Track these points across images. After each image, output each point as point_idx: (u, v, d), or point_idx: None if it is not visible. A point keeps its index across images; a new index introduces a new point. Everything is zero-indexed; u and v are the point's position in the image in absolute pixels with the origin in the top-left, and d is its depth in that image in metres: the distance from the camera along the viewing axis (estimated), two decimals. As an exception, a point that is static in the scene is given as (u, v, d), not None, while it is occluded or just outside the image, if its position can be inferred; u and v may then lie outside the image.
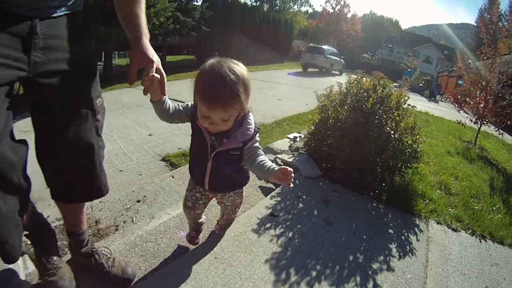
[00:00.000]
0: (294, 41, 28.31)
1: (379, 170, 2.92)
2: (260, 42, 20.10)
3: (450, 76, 6.56)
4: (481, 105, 6.28)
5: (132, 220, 2.16)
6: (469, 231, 2.67)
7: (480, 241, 2.59)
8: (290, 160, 3.17)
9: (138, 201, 2.41)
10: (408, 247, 2.22)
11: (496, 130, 6.43)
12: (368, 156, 2.76)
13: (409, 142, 2.87)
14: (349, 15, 42.09)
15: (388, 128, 2.74)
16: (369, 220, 2.48)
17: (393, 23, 62.43)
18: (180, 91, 6.96)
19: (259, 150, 1.51)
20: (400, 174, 3.03)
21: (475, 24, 45.02)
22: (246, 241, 1.93)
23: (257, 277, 1.67)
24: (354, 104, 2.90)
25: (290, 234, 2.10)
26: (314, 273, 1.79)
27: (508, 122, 6.03)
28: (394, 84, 20.68)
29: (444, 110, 6.46)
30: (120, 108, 5.68)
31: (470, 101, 6.64)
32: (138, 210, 2.28)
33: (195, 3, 17.35)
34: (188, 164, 1.75)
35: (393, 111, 2.89)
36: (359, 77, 3.22)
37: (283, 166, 1.32)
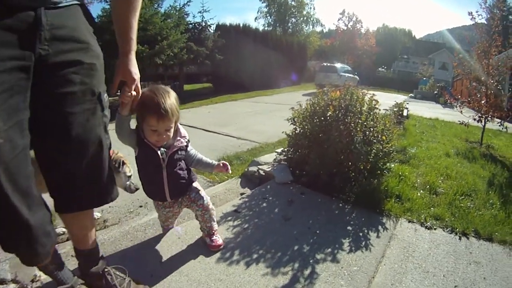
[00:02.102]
0: (309, 62, 28.67)
1: (352, 173, 3.04)
2: (274, 66, 20.48)
3: (465, 79, 6.68)
4: (483, 102, 6.23)
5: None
6: (448, 229, 2.63)
7: (460, 239, 2.53)
8: (269, 169, 3.35)
9: (140, 206, 3.00)
10: (363, 243, 2.28)
11: (499, 125, 6.27)
12: (334, 160, 2.89)
13: (377, 145, 2.98)
14: (362, 31, 42.44)
15: (346, 133, 2.86)
16: (329, 218, 2.59)
17: (406, 34, 62.17)
18: (196, 117, 7.32)
19: (197, 152, 1.98)
20: (374, 175, 3.13)
21: (485, 23, 44.48)
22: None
23: (206, 253, 2.00)
24: (319, 113, 3.06)
25: (246, 226, 2.36)
26: (255, 256, 2.00)
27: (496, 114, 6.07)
28: (410, 95, 20.49)
29: (456, 114, 6.47)
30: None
31: (470, 100, 6.64)
32: (139, 213, 2.71)
33: (207, 32, 18.03)
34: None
35: (359, 116, 3.02)
36: (326, 90, 3.38)
37: (219, 163, 1.95)
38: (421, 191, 3.31)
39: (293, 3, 28.57)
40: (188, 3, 16.87)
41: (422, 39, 75.23)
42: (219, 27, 19.11)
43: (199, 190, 1.98)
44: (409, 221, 2.70)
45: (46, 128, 1.22)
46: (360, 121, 3.00)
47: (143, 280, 1.63)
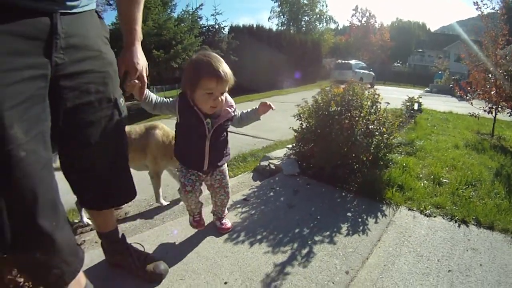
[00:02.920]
0: (325, 59, 28.65)
1: (355, 164, 3.21)
2: (290, 66, 20.50)
3: (475, 71, 6.57)
4: (493, 92, 6.25)
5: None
6: (448, 217, 2.72)
7: (459, 226, 2.61)
8: (278, 163, 3.55)
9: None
10: (361, 228, 2.43)
11: (509, 115, 6.31)
12: (337, 152, 3.07)
13: (378, 137, 3.15)
14: (376, 26, 42.07)
15: (347, 126, 3.03)
16: (331, 206, 2.77)
17: (420, 27, 61.30)
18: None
19: (238, 111, 1.98)
20: (376, 166, 3.29)
21: (499, 12, 43.24)
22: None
23: (215, 235, 2.23)
24: (322, 109, 3.24)
25: (253, 212, 2.59)
26: (259, 237, 2.22)
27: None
28: (426, 89, 20.19)
29: (470, 107, 6.50)
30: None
31: (479, 91, 6.65)
32: (158, 207, 2.84)
33: (221, 35, 18.27)
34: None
35: (360, 109, 3.19)
36: (329, 86, 3.55)
37: (260, 101, 1.96)
38: (425, 181, 3.40)
39: (305, 1, 28.50)
40: (201, 7, 17.20)
41: (437, 32, 73.94)
42: (233, 28, 19.35)
43: (226, 172, 2.08)
44: (409, 209, 2.81)
45: (65, 138, 1.26)
46: (362, 114, 3.16)
47: (159, 257, 1.84)
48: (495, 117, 6.44)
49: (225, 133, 1.93)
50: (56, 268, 1.13)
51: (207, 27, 18.03)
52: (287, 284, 1.78)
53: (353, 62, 20.48)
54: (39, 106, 1.04)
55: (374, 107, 3.43)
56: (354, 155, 3.14)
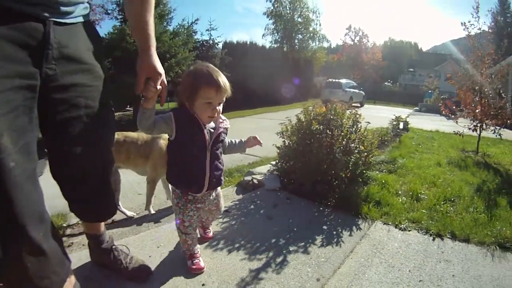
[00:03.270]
0: (317, 77, 29.09)
1: (334, 181, 3.38)
2: (281, 83, 20.74)
3: (465, 89, 6.70)
4: (478, 111, 6.36)
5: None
6: (423, 231, 2.81)
7: (434, 240, 2.70)
8: (261, 178, 3.71)
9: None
10: (335, 240, 2.56)
11: (493, 132, 6.46)
12: (317, 169, 3.24)
13: (356, 155, 3.33)
14: (369, 45, 42.88)
15: (326, 144, 3.21)
16: (308, 219, 2.92)
17: (412, 46, 62.80)
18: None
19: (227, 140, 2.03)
20: (355, 183, 3.47)
21: (490, 30, 44.11)
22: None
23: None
24: (304, 127, 3.42)
25: (233, 223, 2.75)
26: (237, 245, 2.36)
27: (509, 122, 6.20)
28: (415, 108, 20.47)
29: (457, 126, 6.68)
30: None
31: (464, 109, 6.73)
32: (146, 215, 3.01)
33: (214, 50, 18.54)
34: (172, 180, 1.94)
35: (341, 128, 3.37)
36: (312, 106, 3.73)
37: (250, 138, 2.07)
38: (403, 197, 3.51)
39: (299, 19, 29.01)
40: (196, 22, 17.42)
41: (428, 51, 75.39)
42: (227, 44, 19.66)
43: (221, 194, 2.12)
44: (384, 223, 2.92)
45: (53, 151, 1.29)
46: (342, 133, 3.35)
47: (143, 259, 1.98)
48: (479, 134, 6.56)
49: (221, 146, 1.93)
50: (46, 279, 1.11)
51: (201, 42, 18.25)
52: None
53: (343, 81, 20.87)
54: (26, 117, 1.02)
55: (355, 126, 3.62)
56: (333, 172, 3.31)
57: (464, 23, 6.78)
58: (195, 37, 17.69)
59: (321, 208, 3.16)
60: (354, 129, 3.59)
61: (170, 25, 17.83)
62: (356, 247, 2.48)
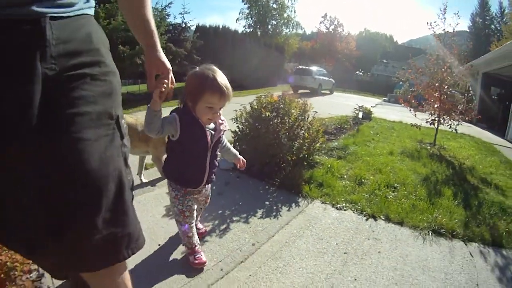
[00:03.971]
0: (288, 64, 29.36)
1: (282, 163, 3.77)
2: (252, 67, 20.78)
3: (425, 86, 6.98)
4: (436, 106, 6.65)
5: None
6: (358, 211, 3.10)
7: (367, 220, 2.98)
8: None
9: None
10: (274, 213, 2.94)
11: (449, 127, 6.69)
12: (265, 152, 3.63)
13: (300, 141, 3.73)
14: (343, 34, 43.28)
15: (273, 130, 3.58)
16: (254, 195, 3.33)
17: (387, 39, 63.72)
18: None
19: (225, 139, 2.10)
20: (302, 165, 3.89)
21: (468, 30, 45.45)
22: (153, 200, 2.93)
23: (157, 212, 2.77)
24: (255, 115, 3.78)
25: None
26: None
27: (467, 118, 6.59)
28: (384, 99, 20.92)
29: (422, 118, 6.85)
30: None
31: (424, 104, 7.01)
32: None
33: (187, 34, 18.43)
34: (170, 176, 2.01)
35: (289, 116, 3.75)
36: (265, 94, 4.08)
37: (241, 158, 2.18)
38: (347, 181, 3.85)
39: (274, 5, 29.09)
40: (169, 5, 17.21)
41: (404, 44, 76.97)
42: (199, 28, 19.57)
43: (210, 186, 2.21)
44: (322, 202, 3.26)
45: (51, 162, 0.89)
46: (290, 120, 3.73)
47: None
48: (437, 128, 6.86)
49: (219, 146, 2.03)
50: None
51: (173, 25, 18.07)
52: (204, 248, 2.31)
53: (314, 68, 21.04)
54: None
55: (305, 115, 4.00)
56: (281, 155, 3.70)
57: (430, 22, 7.05)
58: (168, 20, 17.50)
59: (267, 187, 3.56)
60: (302, 117, 3.96)
61: (144, 8, 17.59)
62: (292, 221, 2.86)
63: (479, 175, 4.87)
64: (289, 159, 3.74)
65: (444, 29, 7.03)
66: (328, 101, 16.11)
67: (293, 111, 3.86)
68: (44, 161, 0.88)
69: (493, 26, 42.53)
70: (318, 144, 4.14)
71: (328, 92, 22.01)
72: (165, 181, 2.67)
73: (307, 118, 4.06)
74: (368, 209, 3.12)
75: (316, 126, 4.06)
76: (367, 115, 9.42)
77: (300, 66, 22.79)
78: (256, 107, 3.85)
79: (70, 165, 0.91)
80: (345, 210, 3.15)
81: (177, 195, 1.96)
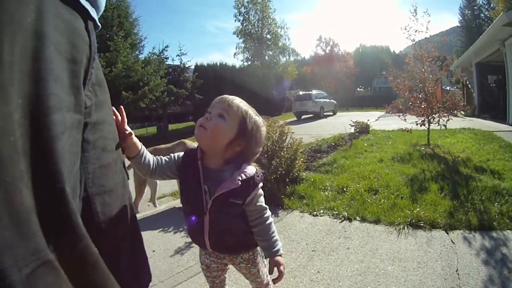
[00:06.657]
0: (289, 91, 29.76)
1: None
2: (253, 99, 21.13)
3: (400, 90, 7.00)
4: (423, 106, 6.67)
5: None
6: (334, 216, 3.22)
7: (342, 222, 3.07)
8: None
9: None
10: None
11: (437, 125, 6.72)
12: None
13: (277, 160, 4.12)
14: (340, 53, 43.81)
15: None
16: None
17: (384, 50, 64.11)
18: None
19: (266, 211, 1.36)
20: (284, 182, 4.26)
21: (459, 25, 45.53)
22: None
23: (152, 227, 3.26)
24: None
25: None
26: (181, 228, 3.22)
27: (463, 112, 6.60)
28: (386, 110, 20.77)
29: (413, 121, 6.82)
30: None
31: (412, 107, 7.04)
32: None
33: (186, 74, 19.16)
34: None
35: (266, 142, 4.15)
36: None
37: (282, 266, 1.26)
38: (330, 191, 4.00)
39: (268, 36, 29.90)
40: (166, 48, 17.98)
41: (402, 53, 76.96)
42: (198, 67, 20.40)
43: (255, 260, 1.48)
44: (301, 211, 3.45)
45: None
46: (268, 143, 4.14)
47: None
48: (428, 128, 6.87)
49: (232, 212, 1.28)
50: None
51: (172, 67, 18.81)
52: (190, 252, 2.72)
53: (313, 92, 21.30)
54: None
55: (284, 137, 4.39)
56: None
57: (405, 27, 7.24)
58: (166, 63, 18.23)
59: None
60: (282, 139, 4.35)
61: (142, 53, 18.41)
62: (268, 227, 3.12)
63: (473, 165, 4.86)
64: (270, 177, 4.10)
65: (417, 30, 7.16)
66: (330, 122, 16.26)
67: (271, 134, 4.26)
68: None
69: (482, 15, 42.25)
70: (300, 162, 4.51)
71: (331, 113, 22.32)
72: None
73: (286, 139, 4.43)
74: (344, 213, 3.23)
75: (294, 146, 4.43)
76: (365, 128, 9.56)
77: (300, 92, 23.11)
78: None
79: (91, 217, 0.85)
80: (321, 216, 3.28)
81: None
